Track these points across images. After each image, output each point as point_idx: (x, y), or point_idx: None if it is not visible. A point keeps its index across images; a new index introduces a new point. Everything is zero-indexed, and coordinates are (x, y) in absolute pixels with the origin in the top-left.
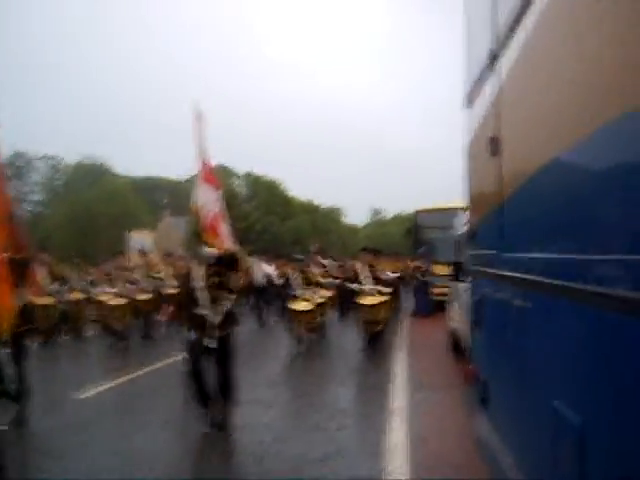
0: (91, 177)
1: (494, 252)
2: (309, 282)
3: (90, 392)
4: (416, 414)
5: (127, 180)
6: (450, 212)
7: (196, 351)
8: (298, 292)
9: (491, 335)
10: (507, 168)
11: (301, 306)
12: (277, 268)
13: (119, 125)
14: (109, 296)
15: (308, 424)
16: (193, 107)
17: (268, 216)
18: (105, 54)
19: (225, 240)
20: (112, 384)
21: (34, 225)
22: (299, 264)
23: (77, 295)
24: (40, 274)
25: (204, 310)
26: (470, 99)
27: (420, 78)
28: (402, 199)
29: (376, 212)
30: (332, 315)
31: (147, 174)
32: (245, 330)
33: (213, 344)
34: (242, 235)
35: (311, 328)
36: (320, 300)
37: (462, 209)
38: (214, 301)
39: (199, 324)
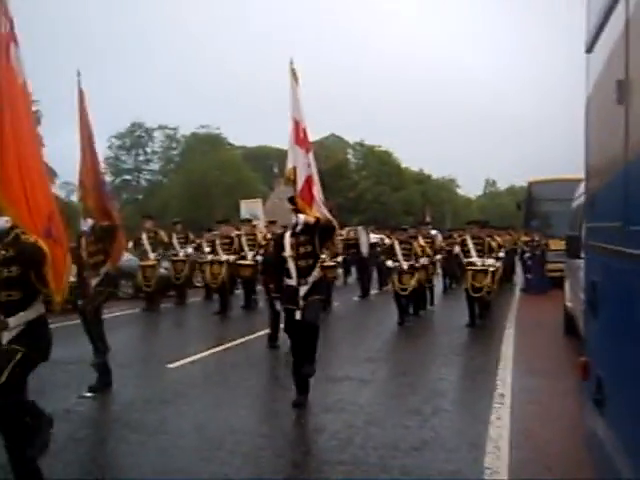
0: (206, 146)
1: (618, 224)
2: (413, 253)
3: (182, 362)
4: (522, 403)
5: (241, 150)
6: (566, 183)
7: (290, 325)
8: (401, 263)
9: (610, 325)
10: (637, 118)
11: (402, 268)
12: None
13: (232, 95)
14: (208, 260)
15: (404, 407)
16: (288, 65)
17: (379, 186)
18: (213, 23)
19: (317, 207)
20: (206, 354)
21: (151, 193)
22: (403, 234)
23: (179, 258)
24: (144, 240)
25: (292, 281)
26: (592, 41)
27: (536, 44)
28: (517, 170)
29: (490, 183)
30: (437, 289)
31: (259, 143)
32: (347, 302)
33: (298, 316)
34: (352, 205)
35: (412, 291)
36: (421, 264)
37: (578, 181)
38: (302, 271)
39: (288, 295)
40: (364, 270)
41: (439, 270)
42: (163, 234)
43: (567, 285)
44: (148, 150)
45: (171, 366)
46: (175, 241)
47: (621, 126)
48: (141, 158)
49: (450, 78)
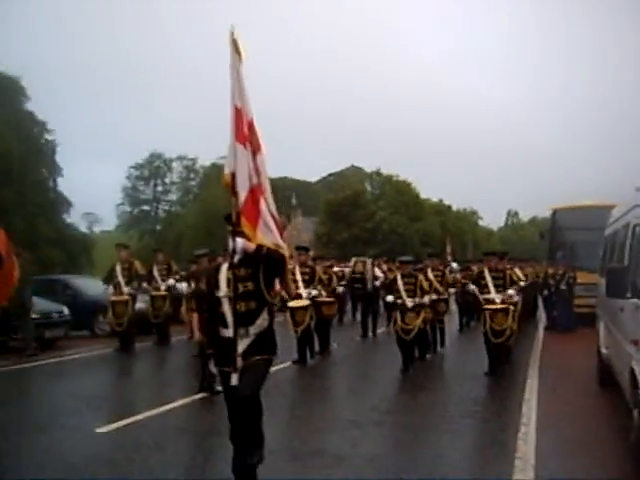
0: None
1: None
2: (418, 288)
3: (116, 425)
4: None
5: None
6: (594, 210)
7: (227, 393)
8: (404, 300)
9: None
10: None
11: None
12: (389, 271)
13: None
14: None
15: None
16: (229, 34)
17: (396, 216)
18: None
19: (264, 228)
20: (151, 413)
21: (169, 224)
22: (409, 267)
23: (158, 293)
24: (117, 272)
25: (227, 331)
26: None
27: (555, 71)
28: (539, 202)
29: (512, 214)
30: (452, 327)
31: (279, 174)
32: (348, 342)
33: (234, 380)
34: (369, 236)
35: (412, 329)
36: (425, 303)
37: (607, 207)
38: (242, 318)
39: (223, 351)
40: (369, 307)
41: (453, 306)
42: (139, 265)
43: (602, 327)
44: (167, 181)
45: (100, 431)
46: (156, 273)
47: None
48: (159, 189)
49: (469, 109)
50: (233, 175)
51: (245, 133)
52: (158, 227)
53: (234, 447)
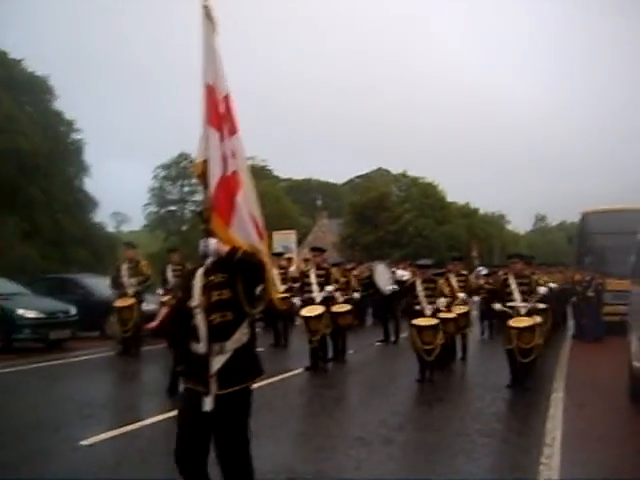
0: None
1: None
2: (439, 294)
3: (101, 436)
4: None
5: (285, 182)
6: (626, 214)
7: (186, 417)
8: (423, 306)
9: None
10: None
11: (423, 321)
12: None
13: (283, 127)
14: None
15: None
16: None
17: (422, 219)
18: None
19: (237, 227)
20: (141, 424)
21: (195, 224)
22: (426, 271)
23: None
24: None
25: (199, 346)
26: None
27: (591, 80)
28: (568, 207)
29: (540, 219)
30: (472, 335)
31: (305, 176)
32: (366, 348)
33: (207, 405)
34: (394, 238)
35: (433, 349)
36: (448, 315)
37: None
38: (216, 331)
39: (193, 369)
40: (385, 311)
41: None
42: (145, 264)
43: (635, 338)
44: (193, 181)
45: (83, 443)
46: (170, 274)
47: None
48: (186, 189)
49: (496, 109)
50: (204, 163)
51: (219, 114)
52: (184, 227)
53: None
